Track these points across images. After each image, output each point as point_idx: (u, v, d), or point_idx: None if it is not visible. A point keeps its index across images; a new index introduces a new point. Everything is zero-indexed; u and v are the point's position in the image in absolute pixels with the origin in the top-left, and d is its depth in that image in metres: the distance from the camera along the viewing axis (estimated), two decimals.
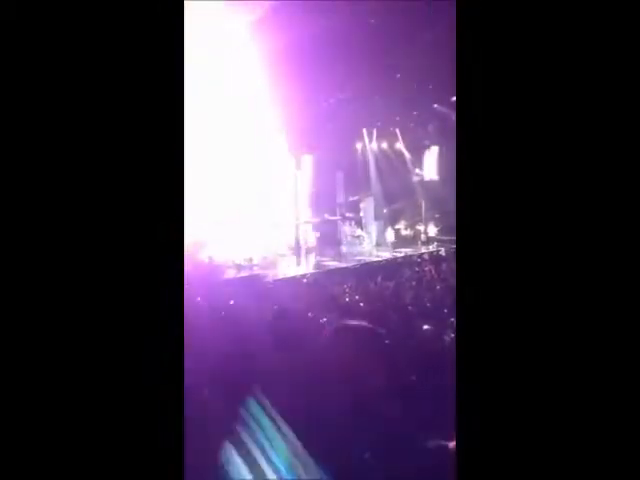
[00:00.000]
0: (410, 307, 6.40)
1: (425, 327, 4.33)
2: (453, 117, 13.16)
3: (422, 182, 15.63)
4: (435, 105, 13.35)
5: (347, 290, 8.23)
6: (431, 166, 15.76)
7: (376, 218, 14.31)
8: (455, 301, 1.40)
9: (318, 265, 12.44)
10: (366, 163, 14.89)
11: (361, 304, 7.17)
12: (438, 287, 7.86)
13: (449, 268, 9.93)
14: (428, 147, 15.65)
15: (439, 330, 4.06)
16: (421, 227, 14.82)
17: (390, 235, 14.33)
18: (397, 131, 14.96)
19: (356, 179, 14.66)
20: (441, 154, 15.20)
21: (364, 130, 14.63)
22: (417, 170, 15.70)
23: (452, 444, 1.38)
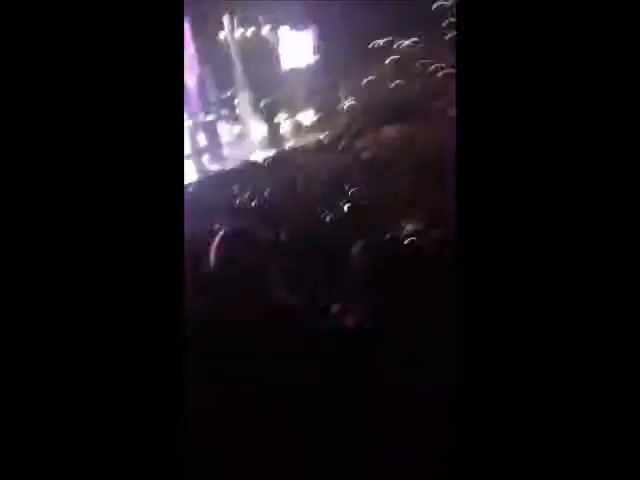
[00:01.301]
0: (306, 198, 6.35)
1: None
2: None
3: (294, 69, 15.05)
4: None
5: (237, 193, 7.97)
6: (299, 51, 15.13)
7: (254, 113, 13.75)
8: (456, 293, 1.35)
9: (201, 171, 11.90)
10: (232, 54, 13.94)
11: (253, 204, 7.03)
12: (325, 178, 7.86)
13: (334, 157, 9.96)
14: (295, 29, 14.91)
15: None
16: (300, 117, 14.51)
17: (271, 129, 13.91)
18: (259, 17, 14.01)
19: (225, 73, 13.78)
20: (308, 35, 14.59)
21: (224, 18, 13.53)
22: (287, 58, 15.03)
23: None
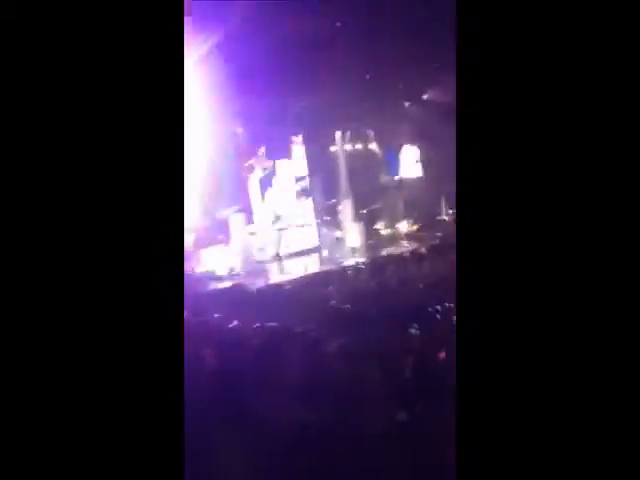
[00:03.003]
0: (396, 307, 6.43)
1: (412, 329, 4.33)
2: (425, 115, 13.26)
3: (398, 181, 15.72)
4: (407, 104, 13.44)
5: (333, 293, 8.23)
6: (406, 165, 15.87)
7: (355, 220, 14.32)
8: (455, 296, 1.38)
9: (300, 270, 12.42)
10: (341, 166, 14.90)
11: (347, 306, 7.19)
12: (421, 285, 7.92)
13: (429, 266, 10.01)
14: (402, 146, 15.74)
15: (425, 330, 4.06)
16: (400, 226, 14.89)
17: (370, 235, 14.36)
18: (370, 132, 15.01)
19: (332, 182, 14.67)
20: (415, 153, 15.31)
21: (337, 133, 14.65)
22: (393, 170, 15.78)
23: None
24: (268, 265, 12.76)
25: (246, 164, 12.68)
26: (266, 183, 13.28)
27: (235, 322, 3.34)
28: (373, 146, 15.31)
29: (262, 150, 12.62)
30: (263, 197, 13.34)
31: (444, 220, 13.74)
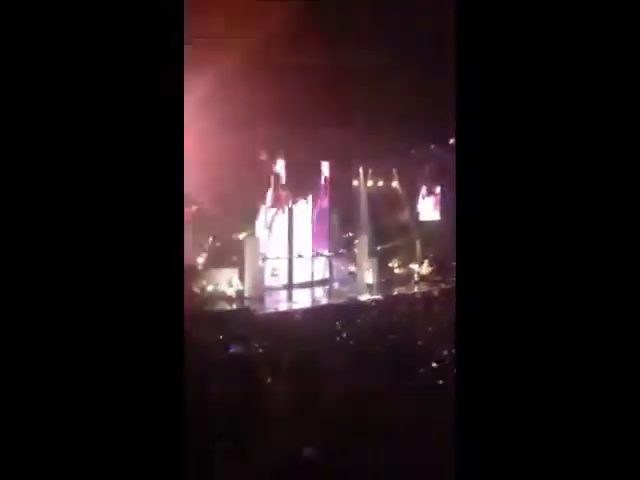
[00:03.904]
0: (404, 347, 6.31)
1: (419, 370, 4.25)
2: (450, 159, 13.29)
3: (417, 222, 15.68)
4: (432, 146, 13.50)
5: (338, 328, 8.14)
6: (427, 206, 15.86)
7: (370, 256, 14.27)
8: (453, 338, 1.38)
9: (309, 300, 12.35)
10: (362, 201, 14.94)
11: (351, 342, 7.08)
12: (430, 328, 7.79)
13: (441, 309, 9.88)
14: (424, 187, 15.78)
15: (431, 371, 3.98)
16: (414, 266, 14.80)
17: (383, 273, 14.28)
18: (393, 170, 15.08)
19: (351, 217, 14.69)
20: (437, 195, 15.31)
21: (360, 168, 14.74)
22: (412, 210, 15.78)
23: None
24: (278, 292, 12.70)
25: (271, 194, 12.76)
26: (284, 211, 13.32)
27: (234, 347, 3.29)
28: (395, 184, 15.35)
29: (282, 172, 12.68)
30: (279, 224, 13.37)
31: None
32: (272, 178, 12.70)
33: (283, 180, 12.84)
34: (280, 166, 12.76)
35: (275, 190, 12.82)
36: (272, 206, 12.93)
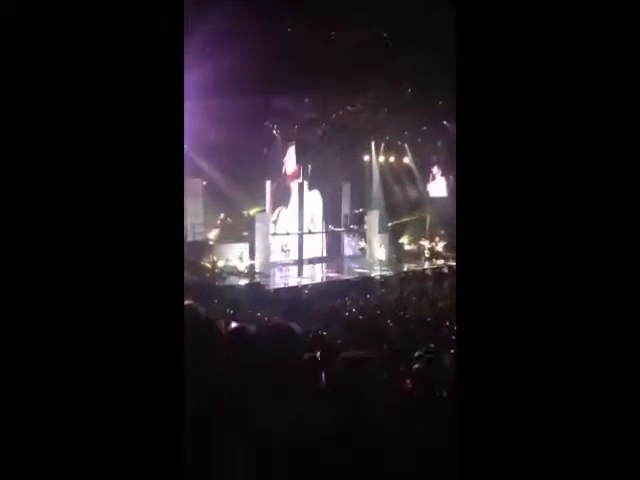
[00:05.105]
0: (411, 324, 6.38)
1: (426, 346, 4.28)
2: None
3: (428, 198, 15.58)
4: (445, 122, 13.33)
5: (348, 303, 8.22)
6: (438, 182, 15.74)
7: (380, 231, 14.26)
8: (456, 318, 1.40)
9: (320, 276, 12.42)
10: (373, 176, 14.84)
11: (360, 317, 7.16)
12: (440, 304, 7.84)
13: (451, 285, 9.92)
14: (436, 163, 15.63)
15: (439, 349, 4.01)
16: (425, 243, 14.78)
17: (393, 249, 14.29)
18: (405, 146, 14.93)
19: (362, 192, 14.62)
20: (448, 170, 15.17)
21: (372, 143, 14.61)
22: (423, 186, 15.68)
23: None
24: (288, 267, 12.77)
25: (283, 170, 12.71)
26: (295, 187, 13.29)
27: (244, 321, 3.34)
28: (407, 160, 15.21)
29: (292, 152, 12.60)
30: (291, 201, 13.37)
31: None
32: (286, 153, 12.63)
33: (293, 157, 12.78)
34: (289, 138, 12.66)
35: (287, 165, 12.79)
36: (285, 182, 12.91)
